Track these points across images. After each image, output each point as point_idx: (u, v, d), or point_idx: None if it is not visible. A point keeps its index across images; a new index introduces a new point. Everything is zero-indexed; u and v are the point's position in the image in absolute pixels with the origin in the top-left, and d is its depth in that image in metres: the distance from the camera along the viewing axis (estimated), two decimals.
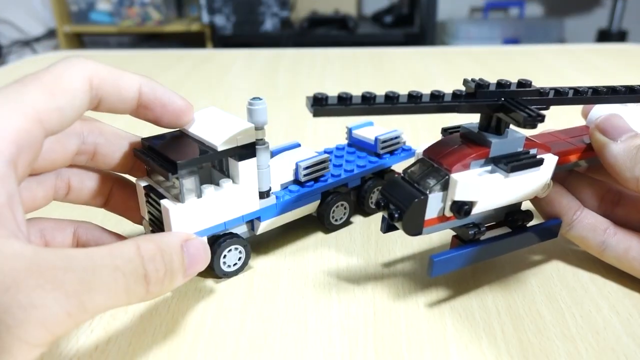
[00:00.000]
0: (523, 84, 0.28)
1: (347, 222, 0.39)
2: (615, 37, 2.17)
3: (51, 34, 2.47)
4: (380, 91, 0.25)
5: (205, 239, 0.31)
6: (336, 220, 0.38)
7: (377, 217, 0.40)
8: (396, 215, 0.27)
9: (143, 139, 0.31)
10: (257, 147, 0.31)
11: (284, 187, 0.35)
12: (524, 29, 2.24)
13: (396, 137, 0.40)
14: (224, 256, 0.32)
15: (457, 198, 0.27)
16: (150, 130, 0.32)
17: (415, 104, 0.26)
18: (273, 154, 0.37)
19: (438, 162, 0.28)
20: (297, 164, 0.35)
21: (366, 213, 0.40)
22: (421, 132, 0.58)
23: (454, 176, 0.27)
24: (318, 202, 0.37)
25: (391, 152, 0.40)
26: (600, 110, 0.33)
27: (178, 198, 0.29)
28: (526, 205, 0.32)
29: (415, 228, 0.28)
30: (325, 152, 0.40)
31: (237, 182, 0.31)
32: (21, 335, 0.19)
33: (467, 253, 0.29)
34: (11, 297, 0.19)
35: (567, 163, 0.32)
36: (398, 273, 0.34)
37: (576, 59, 0.91)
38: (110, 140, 0.30)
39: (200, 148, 0.29)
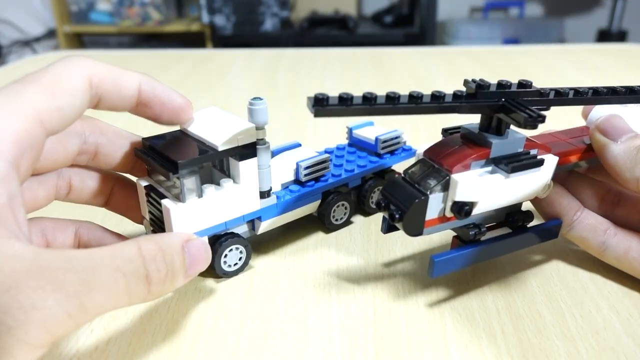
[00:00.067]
0: (523, 84, 0.28)
1: (347, 222, 0.39)
2: (615, 37, 2.17)
3: (51, 34, 2.47)
4: (380, 91, 0.25)
5: (206, 239, 0.31)
6: (337, 220, 0.38)
7: (378, 217, 0.40)
8: (397, 216, 0.27)
9: (144, 139, 0.31)
10: (257, 146, 0.31)
11: (285, 187, 0.35)
12: (524, 29, 2.24)
13: (396, 137, 0.40)
14: (225, 255, 0.32)
15: (458, 198, 0.27)
16: (151, 130, 0.32)
17: (416, 104, 0.26)
18: (274, 153, 0.37)
19: (439, 162, 0.28)
20: (297, 164, 0.35)
21: (366, 213, 0.41)
22: (421, 132, 0.58)
23: (455, 177, 0.27)
24: (319, 201, 0.37)
25: (392, 152, 0.40)
26: (601, 111, 0.33)
27: (179, 198, 0.29)
28: (526, 206, 0.32)
29: (415, 228, 0.28)
30: (325, 152, 0.40)
31: (238, 182, 0.31)
32: (21, 336, 0.19)
33: (468, 253, 0.29)
34: (12, 298, 0.19)
35: (567, 164, 0.32)
36: (398, 273, 0.34)
37: (576, 59, 0.91)
38: (112, 140, 0.30)
39: (201, 148, 0.29)
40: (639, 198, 0.33)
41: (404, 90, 0.25)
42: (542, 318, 0.29)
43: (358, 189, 0.39)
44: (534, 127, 0.25)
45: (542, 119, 0.25)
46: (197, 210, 0.30)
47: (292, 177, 0.35)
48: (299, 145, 0.39)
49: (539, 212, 0.33)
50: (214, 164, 0.33)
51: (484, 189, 0.27)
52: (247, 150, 0.30)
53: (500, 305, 0.31)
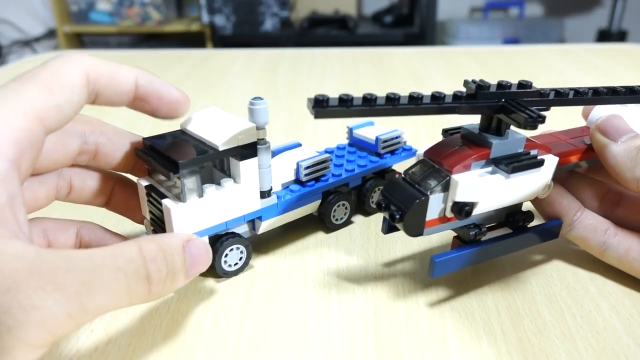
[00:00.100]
0: (523, 85, 0.28)
1: (347, 222, 0.39)
2: (615, 37, 2.17)
3: (51, 34, 2.47)
4: (380, 91, 0.25)
5: (206, 238, 0.31)
6: (337, 219, 0.38)
7: (378, 217, 0.40)
8: (397, 216, 0.27)
9: (144, 139, 0.31)
10: (258, 146, 0.31)
11: (285, 186, 0.35)
12: (524, 29, 2.24)
13: (397, 137, 0.40)
14: (225, 255, 0.32)
15: (458, 199, 0.27)
16: (151, 130, 0.32)
17: (416, 105, 0.26)
18: (274, 153, 0.37)
19: (439, 163, 0.28)
20: (298, 164, 0.35)
21: (367, 213, 0.41)
22: (421, 132, 0.58)
23: (455, 177, 0.27)
24: (319, 201, 0.37)
25: (392, 152, 0.40)
26: (601, 111, 0.33)
27: (179, 197, 0.29)
28: (527, 206, 0.32)
29: (416, 229, 0.28)
30: (326, 151, 0.40)
31: (239, 182, 0.31)
32: (21, 337, 0.19)
33: (468, 254, 0.29)
34: (12, 298, 0.18)
35: (567, 164, 0.32)
36: (398, 273, 0.34)
37: (576, 59, 0.91)
38: (112, 139, 0.30)
39: (201, 148, 0.29)
40: (639, 198, 0.33)
41: (404, 90, 0.25)
42: (542, 318, 0.29)
43: (358, 189, 0.39)
44: (534, 127, 0.25)
45: (542, 120, 0.25)
46: (197, 210, 0.30)
47: (292, 177, 0.35)
48: (300, 145, 0.39)
49: (539, 212, 0.33)
50: (215, 164, 0.33)
51: (484, 189, 0.27)
52: (248, 150, 0.30)
53: (500, 305, 0.31)
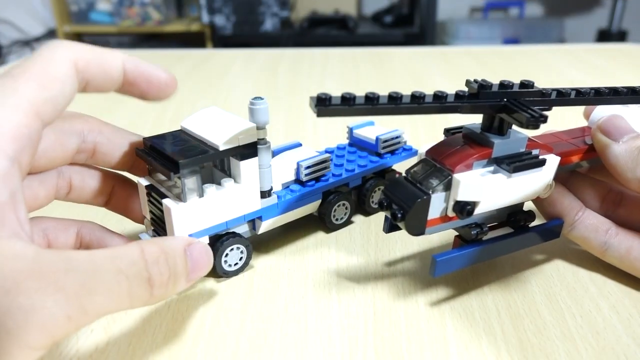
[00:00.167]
0: (525, 84, 0.28)
1: (348, 222, 0.39)
2: (615, 37, 2.17)
3: (51, 34, 2.47)
4: (380, 91, 0.25)
5: (206, 238, 0.31)
6: (337, 219, 0.38)
7: (378, 217, 0.40)
8: (399, 215, 0.27)
9: (145, 139, 0.31)
10: (258, 146, 0.31)
11: (286, 186, 0.35)
12: (524, 29, 2.24)
13: (397, 137, 0.40)
14: (226, 255, 0.32)
15: (460, 198, 0.27)
16: (152, 129, 0.32)
17: (418, 104, 0.26)
18: (274, 153, 0.37)
19: (441, 162, 0.28)
20: (298, 164, 0.35)
21: (367, 213, 0.40)
22: (421, 132, 0.58)
23: (457, 176, 0.27)
24: (319, 201, 0.37)
25: (392, 152, 0.40)
26: (602, 111, 0.33)
27: (180, 197, 0.29)
28: (528, 206, 0.32)
29: (418, 228, 0.28)
30: (326, 151, 0.40)
31: (239, 182, 0.31)
32: (21, 339, 0.18)
33: (470, 253, 0.29)
34: (11, 299, 0.18)
35: (569, 164, 0.32)
36: (398, 273, 0.34)
37: (576, 59, 0.91)
38: (110, 138, 0.30)
39: (202, 147, 0.29)
40: None
41: (404, 90, 0.25)
42: (542, 318, 0.29)
43: (358, 189, 0.39)
44: (536, 127, 0.25)
45: (544, 119, 0.25)
46: (198, 210, 0.29)
47: (292, 177, 0.35)
48: (300, 145, 0.39)
49: (541, 212, 0.33)
50: (215, 164, 0.33)
51: (486, 188, 0.27)
52: (248, 150, 0.30)
53: (500, 305, 0.30)
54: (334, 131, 0.58)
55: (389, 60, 0.92)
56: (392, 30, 2.23)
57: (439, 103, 0.26)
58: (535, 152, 0.29)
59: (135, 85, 0.27)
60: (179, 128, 0.32)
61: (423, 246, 0.36)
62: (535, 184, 0.29)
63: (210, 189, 0.30)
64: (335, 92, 0.24)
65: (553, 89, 0.29)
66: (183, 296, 0.31)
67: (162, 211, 0.29)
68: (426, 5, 2.13)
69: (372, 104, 0.25)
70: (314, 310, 0.30)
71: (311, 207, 0.36)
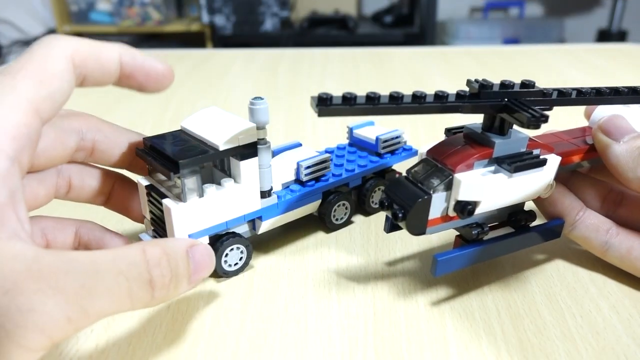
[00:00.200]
0: (526, 84, 0.28)
1: (348, 222, 0.39)
2: (615, 37, 2.17)
3: (51, 34, 2.47)
4: (380, 91, 0.25)
5: (206, 239, 0.31)
6: (337, 219, 0.38)
7: (378, 217, 0.40)
8: (400, 215, 0.27)
9: (145, 139, 0.31)
10: (258, 146, 0.31)
11: (286, 186, 0.35)
12: (524, 29, 2.24)
13: (397, 137, 0.40)
14: (226, 255, 0.32)
15: (461, 198, 0.27)
16: (152, 129, 0.32)
17: (419, 104, 0.25)
18: (274, 153, 0.37)
19: (442, 162, 0.28)
20: (298, 164, 0.35)
21: (367, 213, 0.40)
22: (421, 132, 0.58)
23: (458, 176, 0.27)
24: (319, 201, 0.37)
25: (392, 152, 0.40)
26: (603, 111, 0.33)
27: (180, 197, 0.29)
28: (529, 206, 0.32)
29: (419, 228, 0.28)
30: (326, 151, 0.40)
31: (239, 182, 0.31)
32: (20, 340, 0.18)
33: (471, 253, 0.29)
34: (11, 301, 0.18)
35: (570, 163, 0.32)
36: (398, 273, 0.33)
37: (576, 59, 0.91)
38: (109, 136, 0.30)
39: (202, 147, 0.29)
40: None
41: (404, 90, 0.25)
42: (542, 318, 0.29)
43: (358, 189, 0.39)
44: (537, 127, 0.25)
45: (545, 119, 0.25)
46: (198, 210, 0.29)
47: (292, 177, 0.35)
48: (300, 145, 0.39)
49: (542, 211, 0.33)
50: (215, 164, 0.33)
51: (486, 188, 0.27)
52: (248, 150, 0.30)
53: (500, 305, 0.30)
54: (334, 131, 0.58)
55: (389, 60, 0.92)
56: (392, 30, 2.23)
57: (440, 103, 0.26)
58: (536, 152, 0.29)
59: (133, 78, 0.27)
60: (179, 128, 0.32)
61: (423, 246, 0.36)
62: (536, 184, 0.29)
63: (210, 189, 0.30)
64: (335, 92, 0.24)
65: (554, 89, 0.29)
66: (183, 296, 0.31)
67: (162, 211, 0.29)
68: (426, 5, 2.13)
69: (373, 104, 0.25)
70: (314, 310, 0.30)
71: (311, 207, 0.36)
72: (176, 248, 0.24)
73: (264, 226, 0.34)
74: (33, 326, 0.18)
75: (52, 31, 2.44)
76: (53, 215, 0.30)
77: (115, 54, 0.26)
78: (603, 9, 2.45)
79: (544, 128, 0.28)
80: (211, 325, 0.29)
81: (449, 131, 0.31)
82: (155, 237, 0.32)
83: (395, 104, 0.25)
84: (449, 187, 0.27)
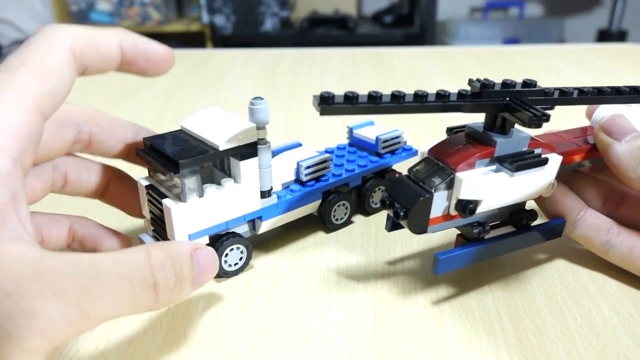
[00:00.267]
0: (528, 84, 0.28)
1: (348, 222, 0.39)
2: (615, 37, 2.17)
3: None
4: (380, 91, 0.25)
5: (206, 239, 0.31)
6: (337, 219, 0.38)
7: (378, 217, 0.40)
8: (401, 214, 0.27)
9: (145, 139, 0.31)
10: (258, 146, 0.31)
11: (286, 186, 0.35)
12: (524, 29, 2.24)
13: (397, 137, 0.40)
14: (226, 255, 0.32)
15: (462, 197, 0.27)
16: (152, 126, 0.32)
17: (421, 103, 0.25)
18: (274, 153, 0.37)
19: (443, 161, 0.28)
20: (298, 164, 0.35)
21: (367, 212, 0.40)
22: (421, 132, 0.58)
23: (459, 175, 0.27)
24: (319, 201, 0.37)
25: (392, 152, 0.40)
26: (605, 111, 0.33)
27: (180, 197, 0.29)
28: (530, 205, 0.32)
29: (420, 226, 0.28)
30: (326, 151, 0.40)
31: (239, 182, 0.31)
32: (21, 343, 0.18)
33: (472, 252, 0.29)
34: (12, 304, 0.18)
35: (571, 163, 0.32)
36: (398, 272, 0.33)
37: (576, 59, 0.91)
38: (106, 128, 0.30)
39: (202, 147, 0.29)
40: None
41: (404, 91, 0.25)
42: (542, 318, 0.29)
43: (358, 189, 0.39)
44: (539, 126, 0.25)
45: (547, 118, 0.25)
46: (198, 210, 0.29)
47: (292, 177, 0.35)
48: (300, 145, 0.39)
49: (543, 211, 0.33)
50: (215, 164, 0.33)
51: (488, 187, 0.27)
52: (248, 150, 0.30)
53: (500, 305, 0.30)
54: (334, 131, 0.58)
55: (389, 60, 0.92)
56: (392, 30, 2.23)
57: (442, 102, 0.26)
58: (537, 151, 0.29)
59: (134, 64, 0.27)
60: (179, 128, 0.32)
61: (423, 246, 0.36)
62: (537, 183, 0.29)
63: (210, 189, 0.30)
64: (336, 92, 0.24)
65: (556, 88, 0.29)
66: None
67: (162, 211, 0.29)
68: (426, 5, 2.13)
69: (375, 103, 0.25)
70: (314, 310, 0.30)
71: (311, 207, 0.36)
72: (181, 251, 0.24)
73: (264, 226, 0.34)
74: (34, 329, 0.18)
75: None
76: (48, 211, 0.30)
77: (116, 42, 0.25)
78: (603, 9, 2.45)
79: (546, 127, 0.28)
80: (211, 325, 0.29)
81: (450, 130, 0.31)
82: (155, 237, 0.32)
83: (397, 103, 0.25)
84: (450, 186, 0.27)
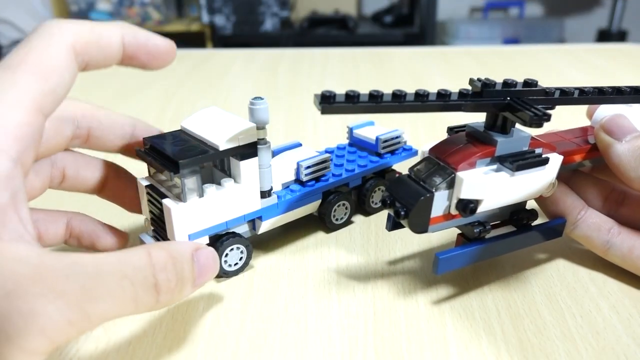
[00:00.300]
0: (529, 83, 0.28)
1: (348, 222, 0.39)
2: (615, 37, 2.17)
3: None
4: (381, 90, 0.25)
5: (206, 239, 0.31)
6: (337, 219, 0.38)
7: (378, 217, 0.40)
8: (402, 213, 0.27)
9: (145, 139, 0.31)
10: (258, 146, 0.31)
11: (286, 186, 0.35)
12: (524, 29, 2.24)
13: (397, 137, 0.40)
14: (226, 255, 0.32)
15: (463, 196, 0.27)
16: (153, 124, 0.32)
17: (422, 102, 0.25)
18: (274, 153, 0.37)
19: (444, 160, 0.28)
20: (298, 164, 0.35)
21: (367, 212, 0.40)
22: (421, 132, 0.58)
23: (460, 174, 0.27)
24: (319, 201, 0.37)
25: (392, 152, 0.40)
26: (605, 111, 0.33)
27: (180, 197, 0.29)
28: (531, 205, 0.32)
29: (421, 226, 0.28)
30: (326, 151, 0.40)
31: (239, 182, 0.31)
32: (21, 344, 0.18)
33: (472, 251, 0.29)
34: (12, 304, 0.18)
35: (571, 163, 0.32)
36: (398, 272, 0.33)
37: (576, 59, 0.91)
38: (103, 122, 0.30)
39: (202, 147, 0.29)
40: None
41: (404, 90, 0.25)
42: (542, 318, 0.29)
43: (358, 189, 0.39)
44: (540, 125, 0.25)
45: (548, 118, 0.25)
46: (198, 210, 0.29)
47: (292, 177, 0.35)
48: (300, 145, 0.39)
49: (544, 210, 0.33)
50: (215, 164, 0.33)
51: (489, 186, 0.27)
52: (248, 150, 0.30)
53: (500, 305, 0.30)
54: (334, 131, 0.58)
55: (389, 60, 0.92)
56: (392, 30, 2.24)
57: (443, 101, 0.26)
58: (538, 150, 0.29)
59: (136, 58, 0.26)
60: (179, 128, 0.32)
61: (423, 246, 0.36)
62: (538, 183, 0.29)
63: (210, 189, 0.30)
64: (336, 91, 0.24)
65: (556, 88, 0.29)
66: None
67: (162, 211, 0.29)
68: (426, 5, 2.13)
69: (376, 102, 0.25)
70: (314, 310, 0.30)
71: (311, 207, 0.36)
72: (182, 252, 0.24)
73: (264, 226, 0.34)
74: (34, 330, 0.18)
75: None
76: (47, 206, 0.30)
77: (117, 36, 0.25)
78: (603, 9, 2.45)
79: (546, 127, 0.28)
80: (211, 325, 0.29)
81: (451, 130, 0.31)
82: (155, 237, 0.32)
83: (398, 102, 0.25)
84: (451, 185, 0.27)
